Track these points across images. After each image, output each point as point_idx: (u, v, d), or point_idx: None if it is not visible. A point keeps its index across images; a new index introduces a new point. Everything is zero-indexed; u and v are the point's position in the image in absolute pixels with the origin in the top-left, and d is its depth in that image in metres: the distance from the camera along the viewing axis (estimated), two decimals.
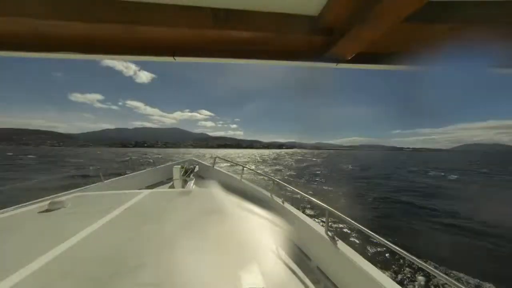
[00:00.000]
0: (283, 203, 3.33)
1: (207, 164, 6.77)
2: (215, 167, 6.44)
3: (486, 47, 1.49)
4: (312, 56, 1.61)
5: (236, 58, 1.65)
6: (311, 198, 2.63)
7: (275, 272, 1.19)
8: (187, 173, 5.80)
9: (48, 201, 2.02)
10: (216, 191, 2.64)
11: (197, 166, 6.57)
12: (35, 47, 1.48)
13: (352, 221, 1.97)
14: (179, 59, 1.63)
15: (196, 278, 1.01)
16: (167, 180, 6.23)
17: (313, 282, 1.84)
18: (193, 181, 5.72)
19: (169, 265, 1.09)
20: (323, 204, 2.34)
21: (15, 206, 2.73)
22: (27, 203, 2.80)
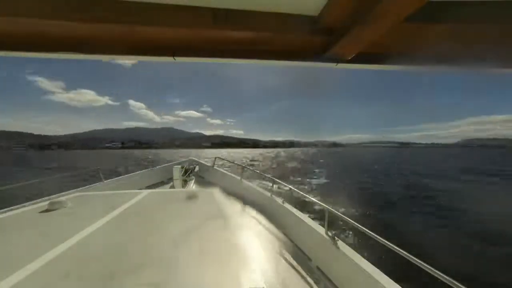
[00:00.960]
0: (283, 203, 3.33)
1: (207, 164, 6.77)
2: (215, 167, 6.44)
3: (486, 47, 1.49)
4: (312, 56, 1.61)
5: (236, 58, 1.65)
6: (311, 198, 2.62)
7: (275, 272, 1.19)
8: (187, 173, 5.80)
9: (48, 201, 2.02)
10: (216, 191, 2.65)
11: (197, 166, 6.57)
12: (35, 47, 1.48)
13: (352, 221, 1.97)
14: (179, 59, 1.63)
15: (196, 278, 1.01)
16: (167, 180, 6.23)
17: (313, 282, 1.84)
18: (193, 181, 5.71)
19: (169, 265, 1.09)
20: (323, 204, 2.34)
21: (15, 206, 2.73)
22: (27, 203, 2.81)
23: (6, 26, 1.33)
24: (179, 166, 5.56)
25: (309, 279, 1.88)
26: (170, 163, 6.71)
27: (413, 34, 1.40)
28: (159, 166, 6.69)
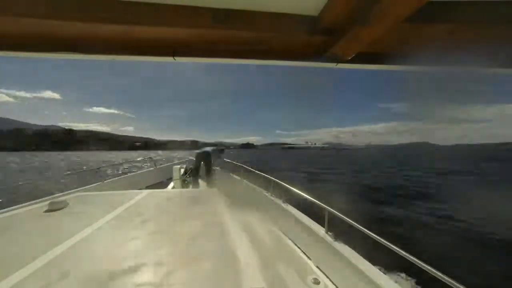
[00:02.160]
0: (283, 203, 3.33)
1: None
2: (215, 167, 6.44)
3: (486, 47, 1.49)
4: (312, 56, 1.61)
5: (236, 58, 1.65)
6: (311, 198, 2.63)
7: (275, 272, 1.19)
8: (187, 173, 5.80)
9: (48, 201, 2.03)
10: (216, 191, 2.65)
11: None
12: (35, 47, 1.48)
13: (352, 222, 1.97)
14: (179, 59, 1.63)
15: (196, 278, 1.01)
16: (167, 180, 6.23)
17: (313, 282, 1.85)
18: (193, 181, 5.71)
19: (169, 265, 1.09)
20: (322, 204, 2.35)
21: (16, 206, 2.73)
22: (27, 203, 2.81)
23: (6, 26, 1.33)
24: (179, 166, 5.56)
25: (309, 279, 1.88)
26: (170, 163, 6.73)
27: (413, 34, 1.40)
28: (159, 166, 6.71)
